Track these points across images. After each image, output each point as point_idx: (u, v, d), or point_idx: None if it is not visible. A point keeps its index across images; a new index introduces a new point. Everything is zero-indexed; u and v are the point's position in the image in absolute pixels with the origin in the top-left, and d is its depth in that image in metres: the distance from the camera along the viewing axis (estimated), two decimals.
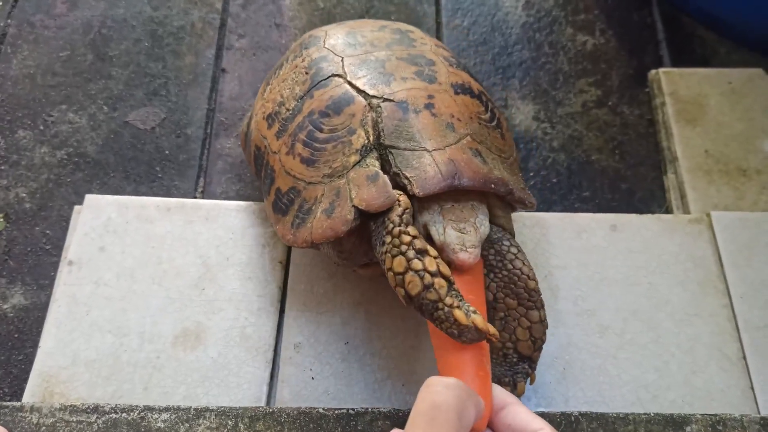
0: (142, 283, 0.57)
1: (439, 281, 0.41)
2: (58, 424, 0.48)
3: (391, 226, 0.43)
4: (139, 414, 0.48)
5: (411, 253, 0.42)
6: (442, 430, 0.34)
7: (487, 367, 0.42)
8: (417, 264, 0.41)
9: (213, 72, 0.75)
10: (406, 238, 0.42)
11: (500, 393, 0.41)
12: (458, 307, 0.40)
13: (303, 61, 0.54)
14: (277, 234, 0.51)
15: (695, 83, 0.71)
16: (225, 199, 0.66)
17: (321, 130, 0.49)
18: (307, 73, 0.53)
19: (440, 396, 0.35)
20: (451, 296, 0.41)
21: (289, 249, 0.59)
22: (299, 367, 0.53)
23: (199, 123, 0.71)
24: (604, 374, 0.54)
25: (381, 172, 0.46)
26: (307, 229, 0.47)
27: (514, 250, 0.48)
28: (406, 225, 0.43)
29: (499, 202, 0.50)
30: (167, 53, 0.76)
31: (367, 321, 0.55)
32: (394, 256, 0.42)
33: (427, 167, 0.45)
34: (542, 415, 0.49)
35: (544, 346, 0.51)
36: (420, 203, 0.46)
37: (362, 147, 0.47)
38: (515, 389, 0.49)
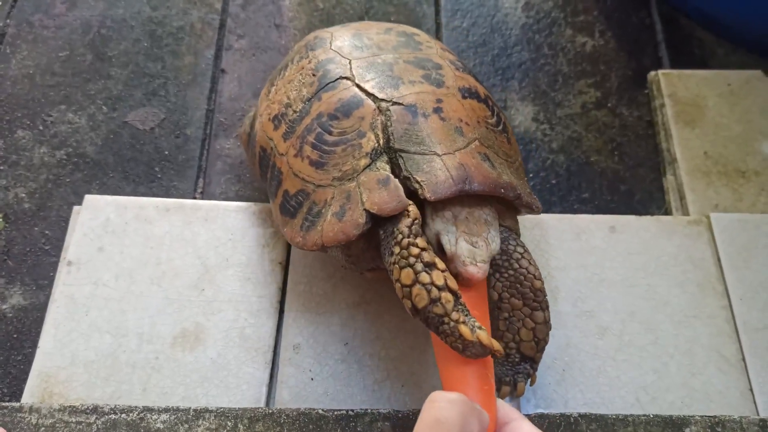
0: (141, 284, 0.57)
1: (446, 295, 0.41)
2: (57, 425, 0.48)
3: (400, 236, 0.43)
4: (138, 415, 0.48)
5: (419, 266, 0.42)
6: None
7: (491, 381, 0.42)
8: (425, 277, 0.41)
9: (212, 72, 0.75)
10: (415, 250, 0.42)
11: (504, 408, 0.41)
12: (464, 322, 0.40)
13: (310, 62, 0.54)
14: (285, 236, 0.51)
15: (694, 85, 0.71)
16: (224, 199, 0.66)
17: (330, 133, 0.49)
18: (314, 75, 0.53)
19: (443, 411, 0.35)
20: (457, 311, 0.41)
21: (288, 250, 0.59)
22: (298, 368, 0.53)
23: (199, 123, 0.71)
24: (604, 376, 0.54)
25: (392, 176, 0.46)
26: (318, 232, 0.47)
27: (520, 249, 0.48)
28: (415, 236, 0.43)
29: (505, 205, 0.50)
30: (166, 53, 0.76)
31: (366, 322, 0.55)
32: (402, 268, 0.42)
33: (438, 171, 0.45)
34: (541, 416, 0.49)
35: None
36: (431, 209, 0.46)
37: (372, 150, 0.47)
38: (515, 389, 0.49)
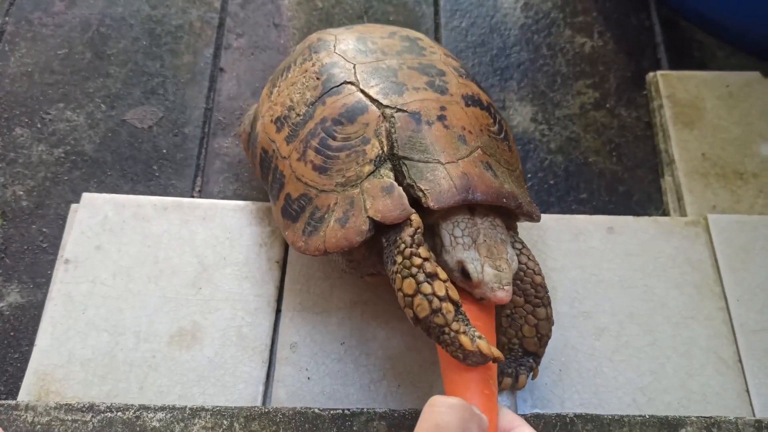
0: (139, 282, 0.57)
1: (446, 306, 0.41)
2: (53, 423, 0.48)
3: (402, 246, 0.43)
4: (134, 413, 0.48)
5: (421, 276, 0.42)
6: None
7: (492, 386, 0.42)
8: (426, 288, 0.41)
9: (211, 71, 0.75)
10: (417, 261, 0.42)
11: (507, 415, 0.41)
12: (464, 332, 0.41)
13: (313, 65, 0.54)
14: (287, 240, 0.51)
15: (693, 86, 0.71)
16: (222, 198, 0.66)
17: (334, 138, 0.49)
18: (318, 79, 0.52)
19: (443, 416, 0.35)
20: (457, 321, 0.41)
21: (286, 249, 0.59)
22: (295, 367, 0.53)
23: (197, 122, 0.71)
24: (600, 376, 0.54)
25: (396, 184, 0.46)
26: (320, 237, 0.47)
27: (518, 245, 0.48)
28: (418, 246, 0.43)
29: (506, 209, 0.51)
30: (165, 52, 0.76)
31: (363, 321, 0.55)
32: (404, 278, 0.42)
33: (442, 180, 0.45)
34: (537, 416, 0.49)
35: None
36: (444, 227, 0.46)
37: (376, 157, 0.47)
38: (517, 382, 0.50)
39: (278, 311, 0.56)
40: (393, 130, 0.47)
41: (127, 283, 0.57)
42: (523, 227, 0.61)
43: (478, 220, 0.45)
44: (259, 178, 0.57)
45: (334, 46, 0.55)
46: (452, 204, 0.44)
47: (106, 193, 0.62)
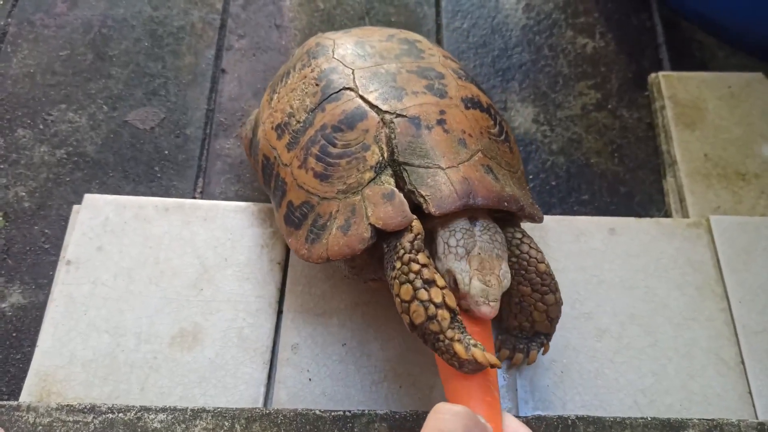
0: (140, 284, 0.57)
1: (442, 313, 0.41)
2: (54, 424, 0.48)
3: (401, 252, 0.43)
4: (135, 414, 0.48)
5: (418, 283, 0.42)
6: None
7: (494, 392, 0.42)
8: (423, 294, 0.41)
9: (213, 72, 0.75)
10: (415, 267, 0.42)
11: (512, 423, 0.41)
12: (459, 340, 0.40)
13: (312, 71, 0.54)
14: (290, 247, 0.51)
15: (694, 87, 0.71)
16: (224, 199, 0.66)
17: (334, 145, 0.49)
18: (317, 85, 0.52)
19: (447, 424, 0.35)
20: (452, 329, 0.41)
21: (287, 250, 0.59)
22: (296, 369, 0.53)
23: (199, 123, 0.71)
24: (602, 378, 0.54)
25: (397, 191, 0.46)
26: (323, 245, 0.47)
27: (519, 234, 0.48)
28: (417, 252, 0.43)
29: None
30: (167, 53, 0.76)
31: (364, 323, 0.55)
32: (402, 284, 0.42)
33: (442, 186, 0.45)
34: (539, 418, 0.49)
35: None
36: (441, 234, 0.45)
37: (377, 164, 0.47)
38: (527, 357, 0.51)
39: (279, 312, 0.56)
40: (393, 136, 0.47)
41: (128, 284, 0.57)
42: (525, 228, 0.60)
43: (477, 231, 0.45)
44: (262, 185, 0.57)
45: (333, 51, 0.55)
46: (453, 209, 0.44)
47: (108, 194, 0.63)
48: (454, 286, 0.44)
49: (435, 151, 0.47)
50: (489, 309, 0.43)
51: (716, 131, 0.68)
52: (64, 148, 0.69)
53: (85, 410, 0.48)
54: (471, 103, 0.51)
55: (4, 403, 0.49)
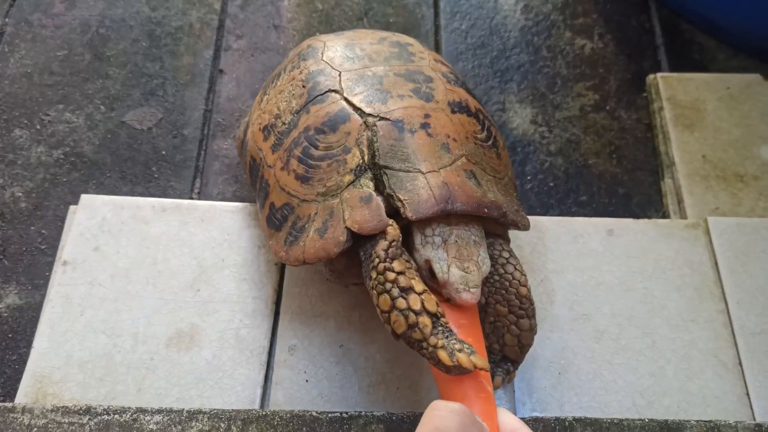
0: (137, 284, 0.57)
1: (423, 320, 0.40)
2: (49, 426, 0.48)
3: (376, 260, 0.42)
4: (131, 416, 0.48)
5: (395, 292, 0.41)
6: None
7: (488, 388, 0.41)
8: (401, 303, 0.41)
9: (211, 73, 0.75)
10: (391, 275, 0.42)
11: (508, 419, 0.40)
12: (443, 347, 0.40)
13: (300, 73, 0.54)
14: (271, 249, 0.51)
15: (693, 88, 0.71)
16: (221, 200, 0.66)
17: (316, 147, 0.48)
18: (304, 87, 0.52)
19: (444, 421, 0.35)
20: (435, 335, 0.40)
21: None
22: (293, 370, 0.53)
23: (196, 124, 0.71)
24: (600, 379, 0.53)
25: (375, 194, 0.45)
26: (300, 247, 0.47)
27: (506, 254, 0.48)
28: (392, 260, 0.42)
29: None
30: (165, 53, 0.76)
31: (361, 324, 0.55)
32: (379, 294, 0.42)
33: (421, 190, 0.45)
34: (536, 420, 0.49)
35: (539, 351, 0.51)
36: (418, 228, 0.45)
37: (357, 167, 0.47)
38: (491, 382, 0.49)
39: (276, 314, 0.56)
40: (375, 139, 0.47)
41: (125, 284, 0.57)
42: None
43: (453, 220, 0.45)
44: (249, 186, 0.57)
45: (322, 53, 0.55)
46: (431, 214, 0.44)
47: (105, 194, 0.62)
48: (432, 275, 0.43)
49: (416, 155, 0.46)
50: (470, 295, 0.42)
51: (715, 133, 0.68)
52: (61, 148, 0.69)
53: (81, 412, 0.48)
54: (458, 108, 0.50)
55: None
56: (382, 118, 0.48)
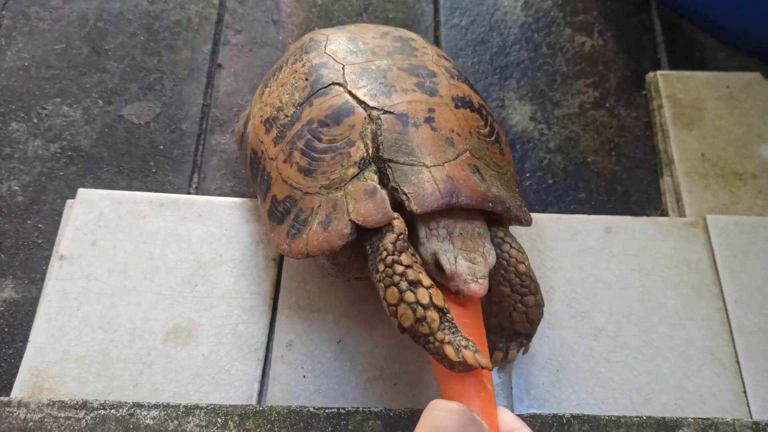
0: (134, 279, 0.56)
1: (431, 314, 0.40)
2: (45, 420, 0.47)
3: (384, 254, 0.42)
4: (128, 411, 0.48)
5: (403, 285, 0.41)
6: None
7: (489, 388, 0.41)
8: (409, 296, 0.41)
9: (209, 67, 0.74)
10: (399, 268, 0.42)
11: (508, 418, 0.40)
12: (449, 342, 0.40)
13: (303, 66, 0.53)
14: (272, 241, 0.51)
15: (693, 87, 0.71)
16: (219, 195, 0.66)
17: (320, 140, 0.48)
18: (307, 80, 0.52)
19: (443, 421, 0.35)
20: (442, 330, 0.40)
21: None
22: (291, 366, 0.53)
23: (194, 118, 0.71)
24: (597, 377, 0.53)
25: (379, 187, 0.45)
26: (303, 240, 0.47)
27: (501, 233, 0.48)
28: (400, 252, 0.42)
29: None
30: (163, 47, 0.75)
31: (359, 320, 0.55)
32: (387, 287, 0.42)
33: (426, 184, 0.44)
34: (534, 417, 0.49)
35: (537, 348, 0.51)
36: (422, 222, 0.45)
37: (361, 159, 0.47)
38: (506, 357, 0.50)
39: (274, 309, 0.56)
40: (379, 132, 0.47)
41: (122, 279, 0.56)
42: (522, 228, 0.60)
43: (456, 214, 0.45)
44: (249, 179, 0.57)
45: (325, 47, 0.54)
46: (436, 208, 0.44)
47: (102, 188, 0.62)
48: (439, 268, 0.43)
49: (421, 149, 0.46)
50: (478, 286, 0.42)
51: (714, 131, 0.68)
52: (59, 142, 0.68)
53: (77, 406, 0.48)
54: (462, 103, 0.50)
55: None
56: (386, 112, 0.48)
